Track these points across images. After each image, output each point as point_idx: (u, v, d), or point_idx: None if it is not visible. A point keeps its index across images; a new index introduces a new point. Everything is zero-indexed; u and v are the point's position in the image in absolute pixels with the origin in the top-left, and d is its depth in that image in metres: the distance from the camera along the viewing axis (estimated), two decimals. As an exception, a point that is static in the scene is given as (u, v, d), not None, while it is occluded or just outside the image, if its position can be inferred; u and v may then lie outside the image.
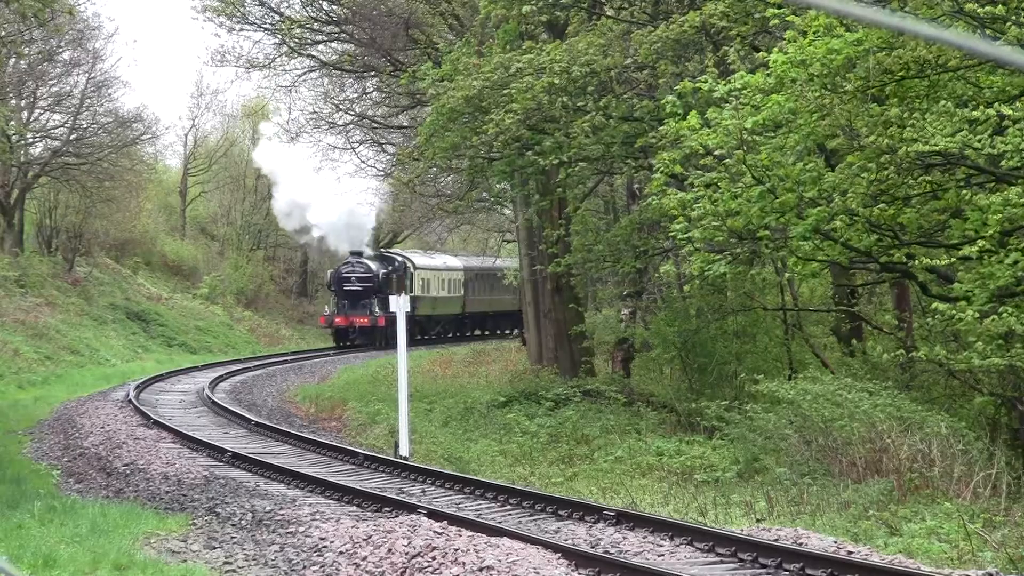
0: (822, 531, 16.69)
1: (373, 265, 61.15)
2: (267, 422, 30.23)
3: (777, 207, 21.25)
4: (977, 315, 18.72)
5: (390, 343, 58.86)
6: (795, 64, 20.35)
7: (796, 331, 30.77)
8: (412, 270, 62.78)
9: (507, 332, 70.82)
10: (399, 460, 23.36)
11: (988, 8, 19.05)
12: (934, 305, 19.87)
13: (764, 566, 14.70)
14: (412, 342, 59.18)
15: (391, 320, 58.44)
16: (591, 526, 17.06)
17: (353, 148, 53.64)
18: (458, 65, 30.07)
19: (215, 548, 16.91)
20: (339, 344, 60.70)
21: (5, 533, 17.02)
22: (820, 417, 21.71)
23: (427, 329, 65.42)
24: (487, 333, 70.85)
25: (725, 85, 21.61)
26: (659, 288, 36.07)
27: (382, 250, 64.64)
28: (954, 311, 19.00)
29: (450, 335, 67.46)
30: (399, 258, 63.44)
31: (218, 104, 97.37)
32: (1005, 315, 18.52)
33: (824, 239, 21.34)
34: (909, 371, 24.16)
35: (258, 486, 21.59)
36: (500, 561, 14.40)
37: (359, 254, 61.56)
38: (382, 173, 52.93)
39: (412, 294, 59.34)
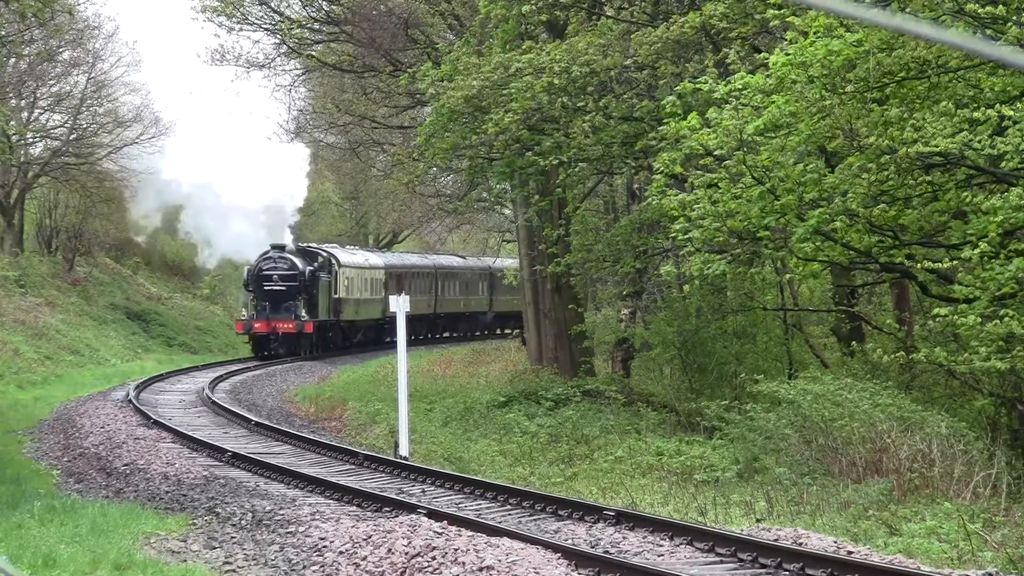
0: (822, 531, 16.69)
1: (298, 261, 52.16)
2: (267, 422, 30.22)
3: (777, 208, 21.24)
4: (978, 320, 18.71)
5: (317, 352, 53.19)
6: (795, 65, 20.34)
7: (796, 331, 30.76)
8: (337, 268, 54.60)
9: (421, 337, 61.96)
10: (399, 460, 23.36)
11: (989, 8, 19.05)
12: (935, 310, 19.86)
13: (764, 566, 14.71)
14: (339, 351, 54.42)
15: (319, 326, 52.78)
16: (591, 526, 17.06)
17: (353, 149, 53.70)
18: (458, 65, 30.06)
19: (215, 548, 16.92)
20: (258, 354, 51.42)
21: (5, 533, 17.02)
22: (820, 417, 21.70)
23: (350, 337, 57.47)
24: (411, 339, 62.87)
25: (725, 86, 21.61)
26: (659, 288, 36.05)
27: (304, 244, 56.19)
28: (955, 315, 18.99)
29: (369, 344, 58.36)
30: (323, 254, 54.73)
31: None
32: (1007, 318, 18.51)
33: (824, 240, 21.34)
34: (909, 371, 24.15)
35: (258, 486, 21.59)
36: (500, 561, 14.41)
37: (281, 247, 52.37)
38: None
39: (337, 295, 54.34)
